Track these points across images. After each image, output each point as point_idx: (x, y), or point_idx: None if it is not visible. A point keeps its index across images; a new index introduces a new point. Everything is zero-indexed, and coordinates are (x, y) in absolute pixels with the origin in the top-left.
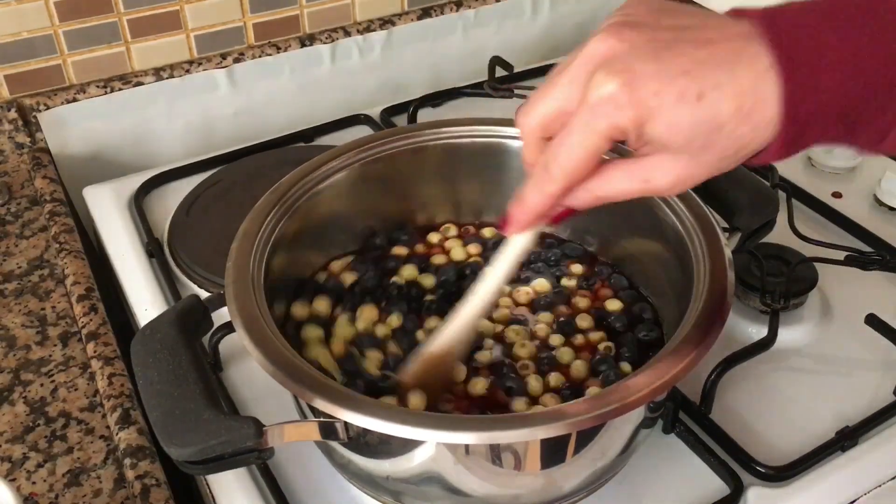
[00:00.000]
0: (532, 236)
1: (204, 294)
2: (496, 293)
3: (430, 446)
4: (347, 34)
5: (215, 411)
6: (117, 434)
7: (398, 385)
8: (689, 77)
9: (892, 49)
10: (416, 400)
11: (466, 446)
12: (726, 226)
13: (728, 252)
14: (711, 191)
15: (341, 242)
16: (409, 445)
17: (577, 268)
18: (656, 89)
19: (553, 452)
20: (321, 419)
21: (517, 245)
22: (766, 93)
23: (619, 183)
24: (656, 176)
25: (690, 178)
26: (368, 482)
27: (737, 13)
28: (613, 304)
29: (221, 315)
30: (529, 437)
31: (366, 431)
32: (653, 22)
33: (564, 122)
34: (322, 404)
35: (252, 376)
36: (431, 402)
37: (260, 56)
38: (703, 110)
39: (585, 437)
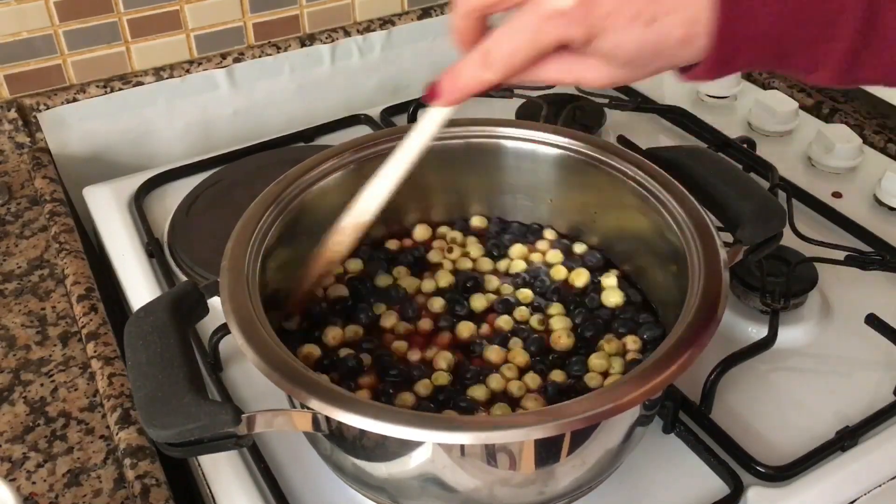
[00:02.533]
0: (453, 110)
1: None
2: (411, 166)
3: (425, 447)
4: (347, 34)
5: (196, 396)
6: (117, 434)
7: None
8: (645, 1)
9: None
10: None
11: (462, 446)
12: (720, 225)
13: (723, 253)
14: (717, 202)
15: None
16: (404, 446)
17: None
18: (611, 10)
19: (548, 451)
20: (298, 410)
21: (438, 117)
22: (707, 19)
23: (553, 73)
24: (589, 77)
25: (619, 81)
26: (365, 484)
27: None
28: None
29: (222, 315)
30: (524, 437)
31: (362, 432)
32: None
33: (507, 7)
34: (317, 405)
35: (252, 376)
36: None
37: (260, 56)
38: (652, 34)
39: (580, 436)
